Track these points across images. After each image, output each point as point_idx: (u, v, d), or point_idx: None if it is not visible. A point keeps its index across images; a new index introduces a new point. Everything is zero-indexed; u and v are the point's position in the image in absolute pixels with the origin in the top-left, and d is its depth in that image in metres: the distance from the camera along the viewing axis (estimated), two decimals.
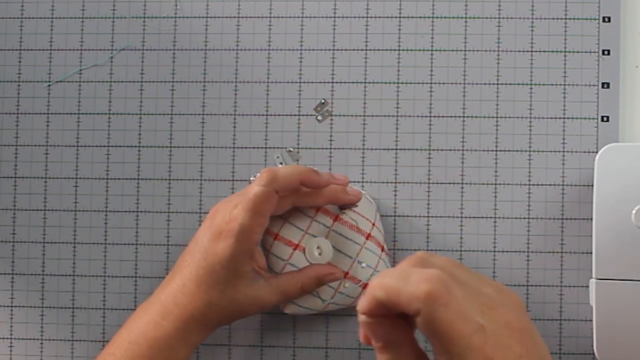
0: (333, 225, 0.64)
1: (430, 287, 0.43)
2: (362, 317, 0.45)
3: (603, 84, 0.68)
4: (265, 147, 0.69)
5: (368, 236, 0.64)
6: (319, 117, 0.69)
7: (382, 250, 0.65)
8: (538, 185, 0.68)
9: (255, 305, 0.61)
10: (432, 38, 0.69)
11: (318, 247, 0.64)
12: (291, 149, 0.69)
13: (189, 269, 0.61)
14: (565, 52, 0.68)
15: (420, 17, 0.69)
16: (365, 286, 0.64)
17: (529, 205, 0.67)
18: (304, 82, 0.69)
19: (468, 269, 0.49)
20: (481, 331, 0.43)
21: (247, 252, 0.60)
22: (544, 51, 0.68)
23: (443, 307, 0.42)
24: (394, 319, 0.45)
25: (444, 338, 0.42)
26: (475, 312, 0.44)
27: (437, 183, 0.68)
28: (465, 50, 0.69)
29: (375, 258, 0.64)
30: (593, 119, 0.68)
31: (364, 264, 0.64)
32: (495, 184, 0.68)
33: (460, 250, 0.68)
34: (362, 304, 0.45)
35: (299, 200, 0.63)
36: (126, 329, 0.62)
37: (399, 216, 0.68)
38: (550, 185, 0.67)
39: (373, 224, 0.65)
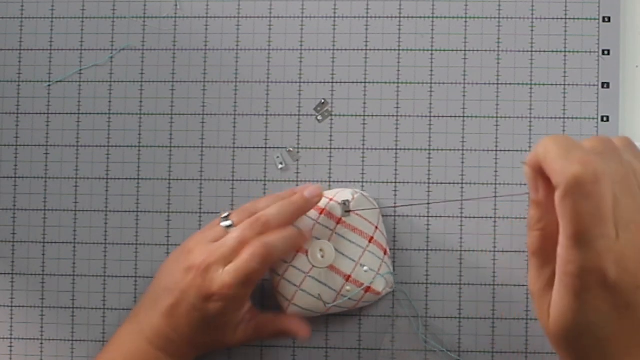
0: (336, 228, 0.64)
1: (580, 170, 0.40)
2: (525, 167, 0.45)
3: (603, 84, 0.68)
4: (265, 147, 0.69)
5: (371, 239, 0.64)
6: (319, 117, 0.69)
7: (385, 253, 0.65)
8: None
9: (231, 343, 0.64)
10: (432, 38, 0.69)
11: (321, 250, 0.64)
12: (291, 149, 0.69)
13: (179, 310, 0.61)
14: (565, 52, 0.68)
15: (420, 17, 0.69)
16: (367, 289, 0.64)
17: (529, 205, 0.67)
18: (304, 82, 0.69)
19: None
20: (608, 239, 0.41)
21: (239, 308, 0.62)
22: (544, 51, 0.68)
23: (582, 196, 0.40)
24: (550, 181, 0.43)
25: (568, 227, 0.41)
26: (618, 221, 0.41)
27: (437, 183, 0.68)
28: (465, 50, 0.69)
29: (377, 261, 0.64)
30: (593, 119, 0.68)
31: (365, 267, 0.64)
32: (495, 184, 0.68)
33: (460, 250, 0.68)
34: (529, 155, 0.45)
35: None
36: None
37: (398, 216, 0.68)
38: None
39: (376, 228, 0.65)
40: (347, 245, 0.64)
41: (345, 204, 0.64)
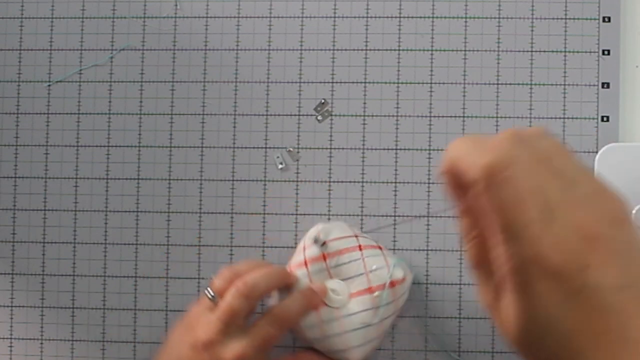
0: (326, 264, 0.64)
1: (492, 158, 0.38)
2: (443, 177, 0.42)
3: (603, 84, 0.68)
4: (265, 147, 0.69)
5: (359, 247, 0.64)
6: (319, 117, 0.69)
7: (380, 248, 0.65)
8: None
9: None
10: (432, 38, 0.69)
11: (332, 291, 0.63)
12: (291, 149, 0.69)
13: None
14: (565, 52, 0.68)
15: (420, 17, 0.69)
16: (392, 284, 0.64)
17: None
18: (304, 82, 0.69)
19: (572, 159, 0.40)
20: (539, 224, 0.37)
21: None
22: (544, 51, 0.68)
23: (500, 184, 0.37)
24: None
25: (496, 221, 0.38)
26: (546, 203, 0.37)
27: (437, 183, 0.68)
28: (465, 50, 0.69)
29: (380, 258, 0.64)
30: (593, 119, 0.68)
31: (375, 266, 0.64)
32: None
33: (461, 250, 0.67)
34: (442, 162, 0.41)
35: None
36: None
37: (398, 216, 0.68)
38: None
39: (355, 236, 0.65)
40: (347, 268, 0.64)
41: (316, 241, 0.64)
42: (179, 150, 0.70)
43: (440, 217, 0.67)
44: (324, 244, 0.64)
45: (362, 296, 0.63)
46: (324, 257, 0.64)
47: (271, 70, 0.69)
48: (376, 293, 0.63)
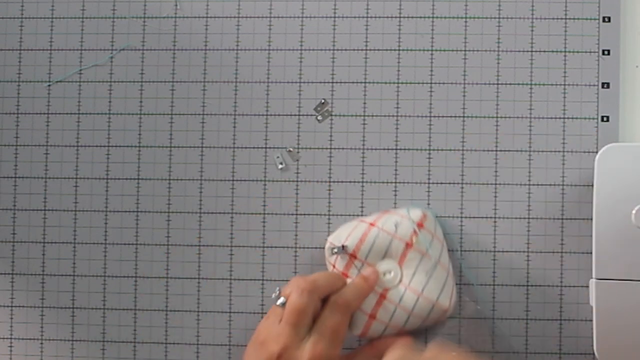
0: (359, 261, 0.65)
1: None
2: None
3: (603, 84, 0.68)
4: (265, 147, 0.69)
5: (372, 225, 0.65)
6: (319, 117, 0.69)
7: (386, 212, 0.66)
8: (538, 185, 0.68)
9: None
10: (432, 38, 0.69)
11: (383, 274, 0.64)
12: (291, 149, 0.69)
13: None
14: (565, 52, 0.68)
15: (420, 17, 0.69)
16: (419, 225, 0.64)
17: (529, 205, 0.67)
18: (304, 82, 0.69)
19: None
20: None
21: None
22: (544, 51, 0.68)
23: None
24: None
25: None
26: None
27: (437, 183, 0.68)
28: (465, 50, 0.69)
29: (393, 217, 0.65)
30: (593, 119, 0.68)
31: (394, 226, 0.64)
32: (495, 184, 0.68)
33: (460, 250, 0.67)
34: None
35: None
36: None
37: None
38: (550, 185, 0.67)
39: (361, 221, 0.66)
40: (377, 247, 0.64)
41: (334, 251, 0.65)
42: (179, 150, 0.70)
43: None
44: (343, 247, 0.64)
45: (407, 257, 0.64)
46: (354, 257, 0.64)
47: (271, 70, 0.69)
48: (414, 239, 0.64)
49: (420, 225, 0.64)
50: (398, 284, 0.64)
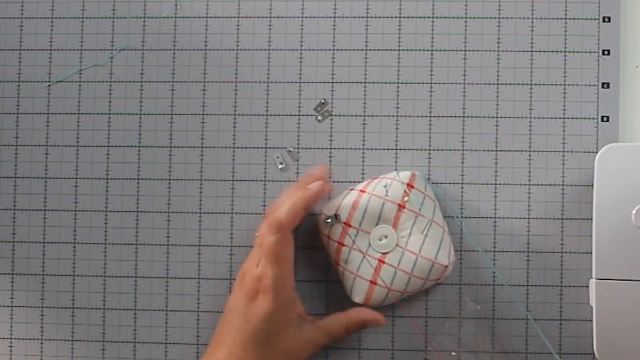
0: (353, 228, 0.65)
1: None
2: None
3: (603, 84, 0.68)
4: (265, 147, 0.69)
5: (362, 191, 0.65)
6: (319, 117, 0.69)
7: (376, 178, 0.66)
8: (538, 185, 0.68)
9: (306, 350, 0.64)
10: (432, 38, 0.69)
11: (380, 239, 0.64)
12: (291, 149, 0.69)
13: (231, 337, 0.62)
14: (565, 52, 0.68)
15: (420, 17, 0.69)
16: (409, 185, 0.64)
17: (529, 205, 0.67)
18: (304, 82, 0.69)
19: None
20: None
21: (288, 300, 0.62)
22: (544, 51, 0.68)
23: None
24: None
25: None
26: None
27: (437, 183, 0.68)
28: (465, 50, 0.69)
29: (383, 181, 0.65)
30: (593, 119, 0.68)
31: (384, 188, 0.64)
32: (495, 184, 0.68)
33: (461, 250, 0.67)
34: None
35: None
36: None
37: None
38: (550, 185, 0.67)
39: (351, 189, 0.66)
40: (370, 213, 0.64)
41: (328, 220, 0.65)
42: (179, 150, 0.70)
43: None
44: (336, 217, 0.64)
45: (400, 219, 0.64)
46: (348, 225, 0.64)
47: (271, 70, 0.69)
48: (406, 199, 0.64)
49: (410, 185, 0.64)
50: (395, 247, 0.64)
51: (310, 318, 0.65)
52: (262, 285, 0.61)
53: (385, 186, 0.64)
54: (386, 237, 0.64)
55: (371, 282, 0.64)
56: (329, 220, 0.65)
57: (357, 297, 0.65)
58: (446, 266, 0.64)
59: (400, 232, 0.64)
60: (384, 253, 0.64)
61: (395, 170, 0.66)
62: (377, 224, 0.64)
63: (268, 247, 0.61)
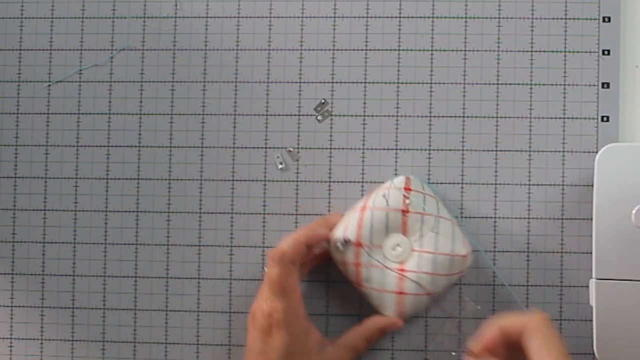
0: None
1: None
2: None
3: (603, 84, 0.68)
4: (265, 147, 0.69)
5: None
6: (319, 117, 0.69)
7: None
8: (538, 185, 0.68)
9: None
10: (432, 38, 0.69)
11: (393, 247, 0.64)
12: (291, 149, 0.69)
13: None
14: (565, 52, 0.68)
15: (420, 17, 0.69)
16: (406, 189, 0.64)
17: (529, 205, 0.67)
18: (304, 82, 0.69)
19: None
20: None
21: (302, 329, 0.62)
22: (544, 51, 0.68)
23: None
24: None
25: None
26: None
27: (437, 183, 0.68)
28: (465, 50, 0.69)
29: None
30: (593, 119, 0.68)
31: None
32: (495, 184, 0.68)
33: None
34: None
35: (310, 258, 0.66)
36: None
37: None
38: (550, 185, 0.67)
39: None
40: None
41: (344, 242, 0.65)
42: (179, 150, 0.70)
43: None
44: (346, 241, 0.64)
45: (408, 223, 0.64)
46: (359, 245, 0.64)
47: (271, 70, 0.69)
48: (407, 202, 0.64)
49: (407, 189, 0.64)
50: (410, 252, 0.64)
51: (329, 341, 0.65)
52: (274, 320, 0.61)
53: (383, 196, 0.64)
54: (399, 245, 0.64)
55: (398, 293, 0.64)
56: (340, 247, 0.64)
57: (389, 311, 0.64)
58: (465, 255, 0.64)
59: (411, 237, 0.64)
60: (401, 261, 0.64)
61: (389, 181, 0.66)
62: (387, 236, 0.64)
63: (272, 279, 0.61)
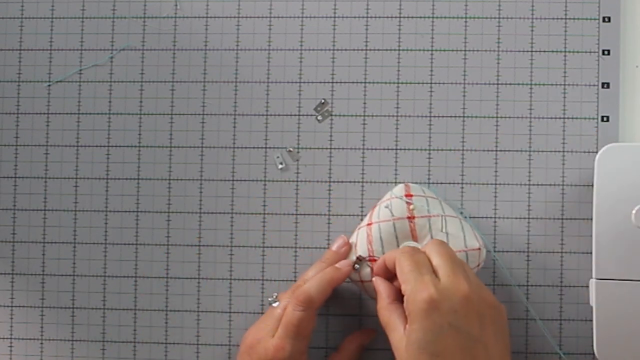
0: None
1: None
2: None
3: (603, 84, 0.68)
4: (265, 147, 0.69)
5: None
6: (319, 117, 0.69)
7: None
8: (538, 185, 0.68)
9: None
10: (432, 38, 0.69)
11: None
12: (291, 149, 0.69)
13: None
14: (565, 52, 0.68)
15: (420, 17, 0.69)
16: (407, 195, 0.64)
17: (529, 205, 0.67)
18: (304, 82, 0.69)
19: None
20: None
21: None
22: (544, 51, 0.68)
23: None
24: None
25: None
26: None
27: (437, 183, 0.68)
28: (465, 50, 0.69)
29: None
30: (593, 119, 0.68)
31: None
32: (495, 184, 0.68)
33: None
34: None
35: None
36: None
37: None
38: (550, 185, 0.67)
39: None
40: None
41: (359, 260, 0.64)
42: (179, 150, 0.70)
43: None
44: (360, 259, 0.64)
45: (416, 229, 0.64)
46: (373, 260, 0.64)
47: (271, 70, 0.69)
48: (412, 207, 0.64)
49: (408, 195, 0.64)
50: None
51: None
52: (277, 358, 0.60)
53: (387, 207, 0.64)
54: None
55: None
56: (356, 266, 0.64)
57: None
58: (479, 248, 0.63)
59: (422, 241, 0.64)
60: None
61: (389, 192, 0.66)
62: (398, 245, 0.64)
63: (292, 322, 0.61)
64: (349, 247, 0.65)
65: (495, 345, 0.56)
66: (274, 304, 0.64)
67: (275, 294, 0.65)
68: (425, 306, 0.55)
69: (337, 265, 0.64)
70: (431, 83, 0.69)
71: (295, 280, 0.68)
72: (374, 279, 0.62)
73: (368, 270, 0.64)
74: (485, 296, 0.57)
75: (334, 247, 0.65)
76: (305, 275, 0.65)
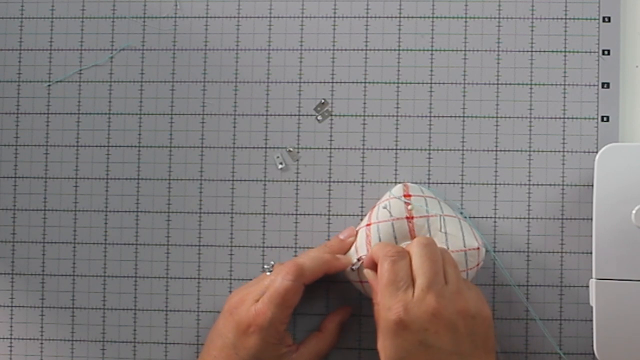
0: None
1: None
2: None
3: (603, 84, 0.68)
4: (265, 147, 0.69)
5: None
6: (319, 117, 0.69)
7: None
8: (538, 185, 0.68)
9: None
10: (432, 38, 0.69)
11: None
12: (291, 149, 0.69)
13: (222, 357, 0.62)
14: (565, 52, 0.68)
15: (420, 17, 0.69)
16: (409, 219, 0.64)
17: (529, 205, 0.67)
18: (304, 82, 0.69)
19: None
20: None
21: (279, 338, 0.62)
22: (544, 51, 0.68)
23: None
24: None
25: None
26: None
27: (437, 183, 0.68)
28: (465, 50, 0.69)
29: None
30: (593, 119, 0.68)
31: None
32: (495, 184, 0.68)
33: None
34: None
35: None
36: None
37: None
38: (550, 185, 0.67)
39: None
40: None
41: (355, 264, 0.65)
42: (179, 150, 0.70)
43: None
44: (359, 260, 0.64)
45: (415, 229, 0.64)
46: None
47: (271, 70, 0.69)
48: (410, 207, 0.64)
49: (407, 196, 0.64)
50: None
51: (294, 346, 0.64)
52: (256, 323, 0.61)
53: (385, 207, 0.64)
54: None
55: None
56: (354, 267, 0.64)
57: None
58: (478, 248, 0.63)
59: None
60: None
61: (388, 192, 0.66)
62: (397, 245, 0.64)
63: (278, 290, 0.61)
64: (354, 240, 0.65)
65: (473, 354, 0.57)
66: (267, 272, 0.64)
67: (272, 262, 0.66)
68: (395, 327, 0.56)
69: (337, 256, 0.64)
70: (431, 83, 0.69)
71: None
72: (365, 271, 0.62)
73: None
74: (460, 306, 0.58)
75: (342, 235, 0.66)
76: (306, 253, 0.65)
